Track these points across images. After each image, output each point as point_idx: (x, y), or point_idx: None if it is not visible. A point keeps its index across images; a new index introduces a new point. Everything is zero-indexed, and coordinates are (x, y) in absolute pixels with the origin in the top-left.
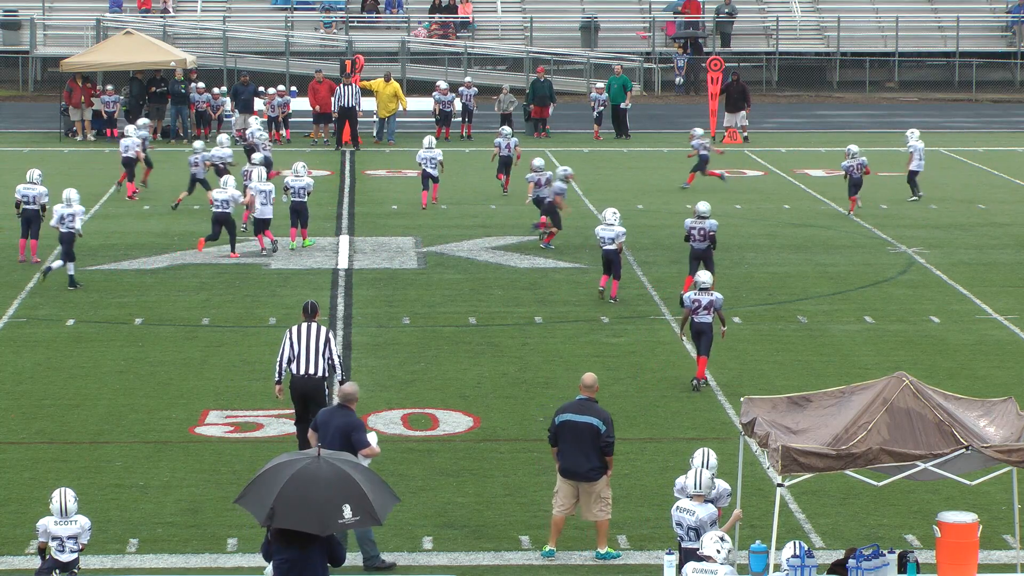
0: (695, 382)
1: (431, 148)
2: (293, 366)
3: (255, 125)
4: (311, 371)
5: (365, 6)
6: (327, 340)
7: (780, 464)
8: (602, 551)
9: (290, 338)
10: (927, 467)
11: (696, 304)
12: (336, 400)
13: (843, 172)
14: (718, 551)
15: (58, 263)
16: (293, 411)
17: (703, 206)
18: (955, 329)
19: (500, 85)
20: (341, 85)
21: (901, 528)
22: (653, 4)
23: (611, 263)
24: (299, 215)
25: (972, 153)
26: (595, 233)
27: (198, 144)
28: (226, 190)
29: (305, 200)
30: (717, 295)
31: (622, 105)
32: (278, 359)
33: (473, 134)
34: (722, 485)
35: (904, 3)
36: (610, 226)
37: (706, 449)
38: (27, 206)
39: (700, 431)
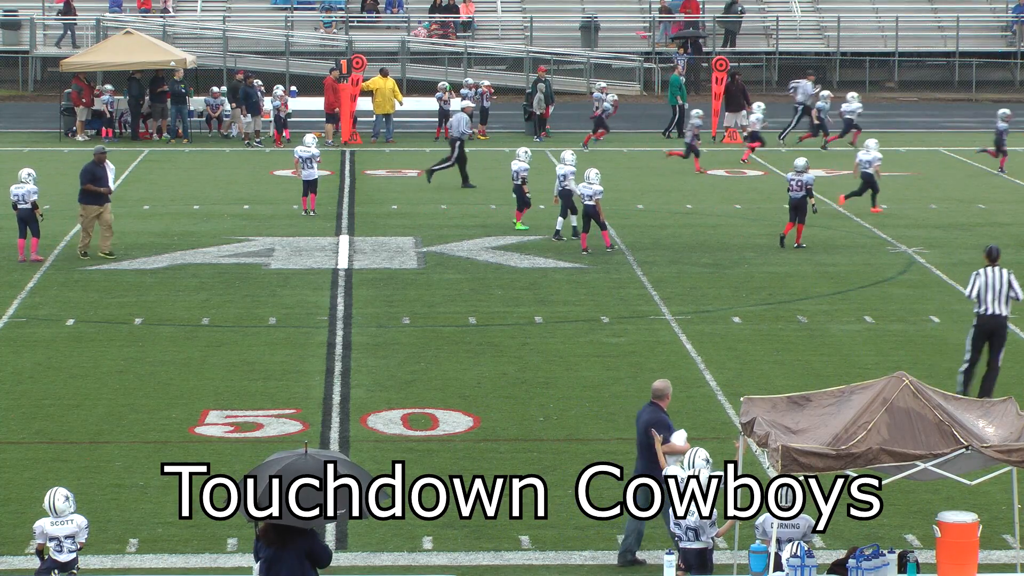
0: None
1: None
2: (980, 307)
3: (465, 124)
4: (997, 311)
5: (365, 6)
6: (1010, 282)
7: (780, 464)
8: None
9: (978, 281)
10: (927, 467)
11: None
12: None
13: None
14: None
15: (561, 220)
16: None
17: (800, 161)
18: (955, 329)
19: (503, 85)
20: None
21: (901, 528)
22: (653, 4)
23: (590, 218)
24: (518, 199)
25: (972, 153)
26: (576, 189)
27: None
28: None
29: (519, 183)
30: (808, 176)
31: (687, 106)
32: (967, 292)
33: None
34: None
35: (904, 3)
36: (591, 184)
37: (697, 449)
38: (21, 206)
39: (700, 431)
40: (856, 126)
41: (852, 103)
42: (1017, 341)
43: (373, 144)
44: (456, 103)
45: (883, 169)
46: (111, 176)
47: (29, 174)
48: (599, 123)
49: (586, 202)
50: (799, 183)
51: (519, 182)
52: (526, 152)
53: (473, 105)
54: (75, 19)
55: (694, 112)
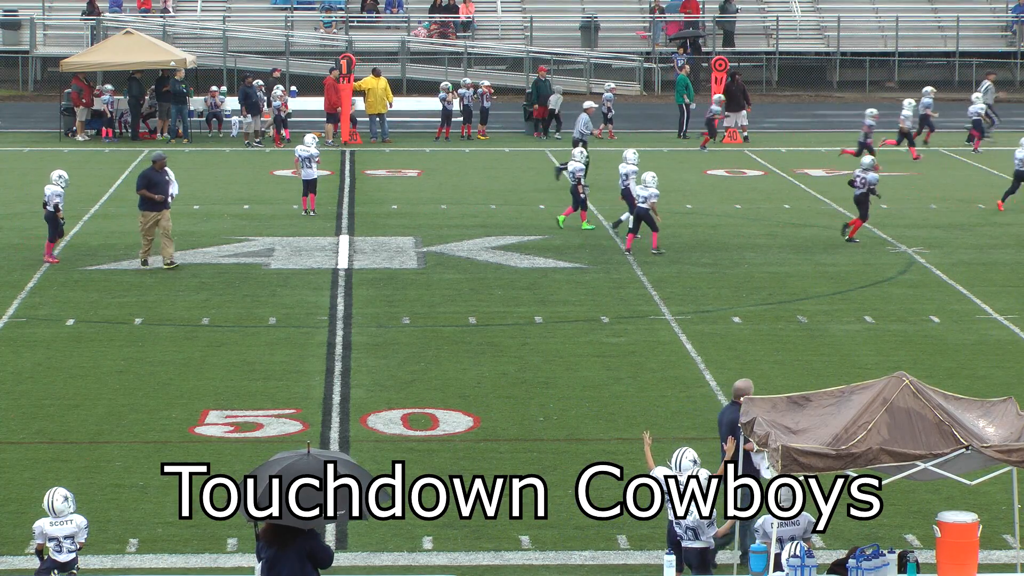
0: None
1: None
2: None
3: (585, 124)
4: None
5: (365, 6)
6: None
7: (780, 464)
8: None
9: None
10: (927, 467)
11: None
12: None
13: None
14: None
15: (626, 215)
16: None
17: (867, 159)
18: (955, 329)
19: (503, 85)
20: None
21: (901, 528)
22: (652, 4)
23: (641, 219)
24: (575, 198)
25: (972, 153)
26: (635, 191)
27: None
28: None
29: (574, 184)
30: (872, 175)
31: (693, 106)
32: None
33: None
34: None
35: (904, 3)
36: (647, 187)
37: (685, 449)
38: (47, 207)
39: (700, 431)
40: (977, 125)
41: (976, 104)
42: (1017, 341)
43: (373, 144)
44: (456, 104)
45: (884, 169)
46: (174, 184)
47: (60, 176)
48: (708, 125)
49: (640, 203)
50: (862, 180)
51: (575, 182)
52: (581, 152)
53: (595, 105)
54: (100, 18)
55: (868, 111)
